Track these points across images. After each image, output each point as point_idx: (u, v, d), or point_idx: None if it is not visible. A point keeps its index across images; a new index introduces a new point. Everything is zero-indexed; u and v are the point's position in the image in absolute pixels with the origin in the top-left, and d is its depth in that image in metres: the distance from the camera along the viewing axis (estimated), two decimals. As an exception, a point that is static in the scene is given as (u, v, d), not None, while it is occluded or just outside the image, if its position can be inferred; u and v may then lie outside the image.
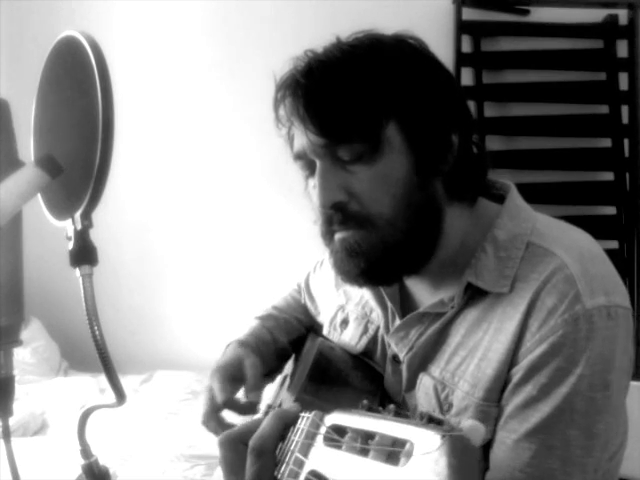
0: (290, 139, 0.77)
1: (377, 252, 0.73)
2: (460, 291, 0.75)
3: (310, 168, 0.75)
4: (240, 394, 0.87)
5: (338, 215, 0.73)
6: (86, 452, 0.66)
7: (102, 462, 0.67)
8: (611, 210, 2.64)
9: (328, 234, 0.76)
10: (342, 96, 0.70)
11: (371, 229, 0.72)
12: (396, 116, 0.71)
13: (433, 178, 0.75)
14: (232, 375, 0.86)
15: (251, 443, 0.58)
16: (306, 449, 0.52)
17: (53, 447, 1.88)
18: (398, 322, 0.83)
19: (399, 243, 0.73)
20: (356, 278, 0.76)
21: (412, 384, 0.81)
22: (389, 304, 0.85)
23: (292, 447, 0.55)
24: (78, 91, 0.59)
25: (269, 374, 0.99)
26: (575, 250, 0.72)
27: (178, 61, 2.91)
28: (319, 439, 0.51)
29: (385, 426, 0.44)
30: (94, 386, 2.42)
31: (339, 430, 0.49)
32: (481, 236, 0.77)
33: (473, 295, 0.76)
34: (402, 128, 0.72)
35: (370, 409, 0.49)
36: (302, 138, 0.73)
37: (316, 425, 0.53)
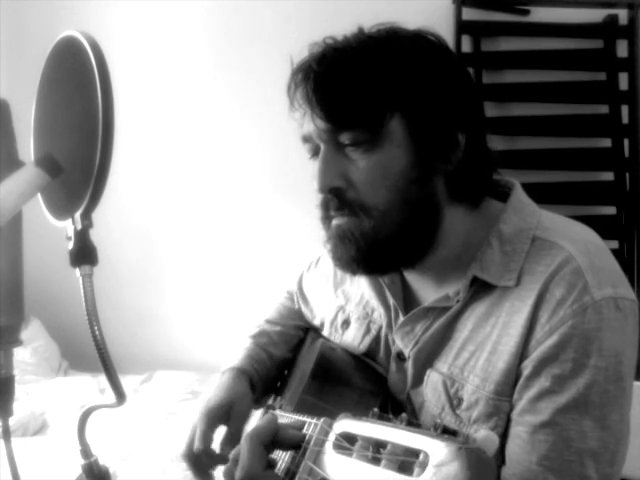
0: (301, 122, 0.79)
1: (369, 242, 0.74)
2: (466, 285, 0.76)
3: (316, 151, 0.77)
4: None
5: (334, 201, 0.74)
6: (86, 452, 0.65)
7: (102, 462, 0.67)
8: (611, 210, 2.64)
9: (326, 219, 0.78)
10: (349, 83, 0.71)
11: (364, 218, 0.73)
12: (402, 110, 0.72)
13: (433, 176, 0.75)
14: (219, 418, 0.88)
15: (237, 477, 0.58)
16: (315, 456, 0.52)
17: (53, 447, 1.88)
18: (402, 319, 0.83)
19: (392, 235, 0.74)
20: (349, 264, 0.77)
21: (418, 380, 0.81)
22: (392, 301, 0.85)
23: (303, 455, 0.54)
24: (78, 91, 0.58)
25: (268, 388, 0.99)
26: (581, 243, 0.73)
27: (178, 61, 2.90)
28: (328, 446, 0.51)
29: (398, 435, 0.44)
30: (94, 386, 2.42)
31: (348, 438, 0.49)
32: (486, 232, 0.77)
33: (479, 290, 0.76)
34: (407, 123, 0.73)
35: (381, 417, 0.49)
36: (309, 122, 0.74)
37: (325, 432, 0.52)
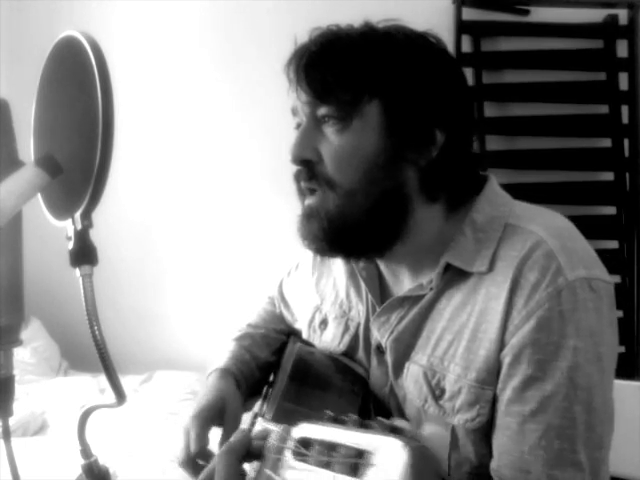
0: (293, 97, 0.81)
1: (333, 220, 0.76)
2: (439, 272, 0.77)
3: (300, 126, 0.80)
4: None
5: (304, 172, 0.77)
6: (86, 452, 0.65)
7: (102, 462, 0.67)
8: (611, 210, 2.63)
9: (301, 196, 0.80)
10: (335, 60, 0.74)
11: (329, 194, 0.75)
12: (381, 97, 0.75)
13: (402, 165, 0.76)
14: (212, 419, 0.87)
15: None
16: (275, 465, 0.51)
17: (53, 447, 1.88)
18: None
19: (356, 218, 0.75)
20: (314, 242, 0.79)
21: (399, 371, 0.81)
22: (369, 296, 0.86)
23: (265, 465, 0.54)
24: (78, 91, 0.58)
25: (254, 391, 0.98)
26: (552, 228, 0.74)
27: (178, 61, 2.90)
28: (287, 453, 0.50)
29: (348, 437, 0.44)
30: (94, 386, 2.42)
31: (309, 443, 0.48)
32: (459, 223, 0.78)
33: (454, 278, 0.77)
34: (384, 110, 0.75)
35: (335, 420, 0.48)
36: (296, 97, 0.78)
37: (283, 439, 0.52)
